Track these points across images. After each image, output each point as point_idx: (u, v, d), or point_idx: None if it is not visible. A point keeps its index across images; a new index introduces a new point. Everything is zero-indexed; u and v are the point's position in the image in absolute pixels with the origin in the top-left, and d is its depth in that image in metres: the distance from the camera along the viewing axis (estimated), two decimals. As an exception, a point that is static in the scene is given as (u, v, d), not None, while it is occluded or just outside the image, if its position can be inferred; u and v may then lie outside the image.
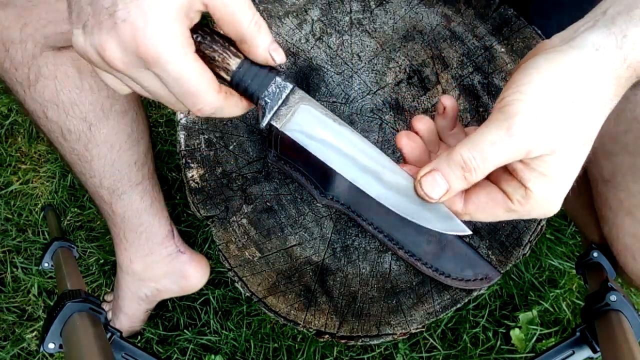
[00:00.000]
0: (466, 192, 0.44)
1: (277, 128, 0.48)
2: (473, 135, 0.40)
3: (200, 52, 0.44)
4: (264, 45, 0.44)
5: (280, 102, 0.47)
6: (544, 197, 0.42)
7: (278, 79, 0.46)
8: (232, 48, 0.45)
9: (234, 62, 0.45)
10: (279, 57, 0.45)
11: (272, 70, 0.46)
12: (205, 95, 0.43)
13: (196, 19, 0.43)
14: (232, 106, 0.46)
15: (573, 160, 0.41)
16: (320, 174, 0.59)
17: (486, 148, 0.39)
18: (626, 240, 0.74)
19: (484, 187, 0.44)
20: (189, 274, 0.96)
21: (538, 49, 0.44)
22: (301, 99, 0.48)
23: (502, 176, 0.43)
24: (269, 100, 0.46)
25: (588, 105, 0.40)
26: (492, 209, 0.44)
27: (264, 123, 0.47)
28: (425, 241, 0.62)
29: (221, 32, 0.45)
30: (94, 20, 0.39)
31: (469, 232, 0.46)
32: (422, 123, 0.48)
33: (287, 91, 0.46)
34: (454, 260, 0.63)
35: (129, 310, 1.01)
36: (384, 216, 0.62)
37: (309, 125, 0.48)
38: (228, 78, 0.46)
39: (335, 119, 0.48)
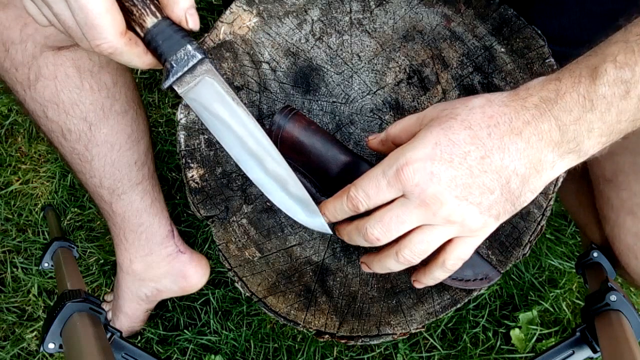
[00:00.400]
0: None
1: (279, 126, 0.49)
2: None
3: (120, 2, 0.45)
4: (183, 5, 0.47)
5: (185, 69, 0.48)
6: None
7: (189, 46, 0.47)
8: (152, 7, 0.46)
9: (150, 20, 0.46)
10: (193, 22, 0.48)
11: (186, 37, 0.48)
12: (106, 32, 0.44)
13: None
14: (133, 55, 0.47)
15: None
16: (320, 175, 0.60)
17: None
18: (628, 240, 0.74)
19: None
20: (189, 274, 0.96)
21: None
22: (207, 71, 0.50)
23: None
24: (175, 65, 0.48)
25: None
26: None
27: (165, 85, 0.48)
28: None
29: None
30: None
31: (330, 233, 0.55)
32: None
33: (195, 61, 0.48)
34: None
35: (129, 310, 1.01)
36: None
37: (209, 98, 0.51)
38: (142, 34, 0.47)
39: (234, 98, 0.51)
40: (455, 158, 0.47)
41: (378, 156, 0.64)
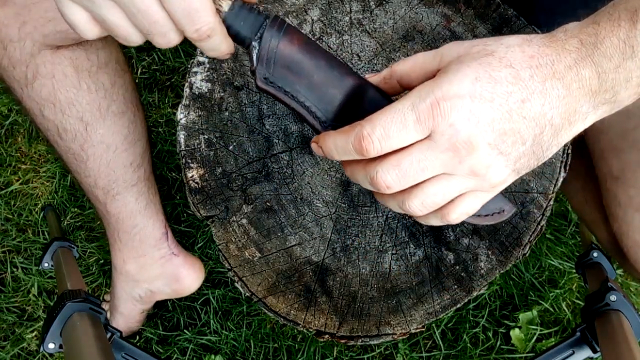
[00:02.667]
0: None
1: (271, 41, 0.45)
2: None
3: None
4: None
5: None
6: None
7: (268, 22, 0.46)
8: None
9: (225, 3, 0.44)
10: (226, 2, 0.45)
11: (261, 14, 0.46)
12: (205, 13, 0.42)
13: None
14: (223, 36, 0.45)
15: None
16: (326, 101, 0.49)
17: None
18: (636, 237, 0.74)
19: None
20: (181, 276, 0.96)
21: None
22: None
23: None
24: (257, 45, 0.46)
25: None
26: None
27: (254, 66, 0.47)
28: None
29: None
30: None
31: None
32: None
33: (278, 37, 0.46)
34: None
35: (124, 310, 1.01)
36: None
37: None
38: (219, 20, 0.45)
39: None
40: (497, 98, 0.42)
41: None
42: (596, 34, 0.42)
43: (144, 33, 0.43)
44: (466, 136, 0.42)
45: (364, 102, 0.48)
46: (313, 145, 0.49)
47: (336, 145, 0.46)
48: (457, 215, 0.47)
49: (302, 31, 0.49)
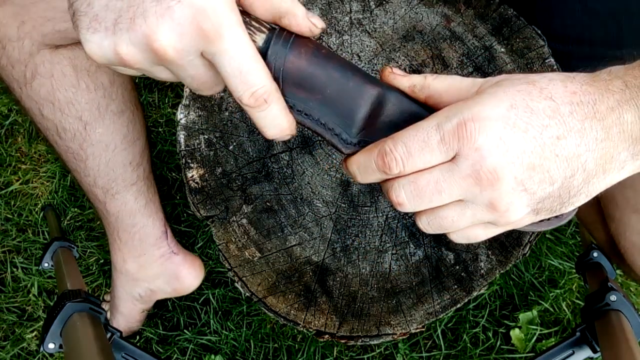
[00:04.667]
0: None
1: (277, 59, 0.42)
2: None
3: None
4: (302, 14, 0.42)
5: None
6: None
7: None
8: (254, 23, 0.42)
9: (259, 38, 0.42)
10: (320, 22, 0.43)
11: (266, 27, 0.43)
12: (261, 74, 0.40)
13: None
14: (282, 107, 0.42)
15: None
16: (345, 117, 0.45)
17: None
18: (633, 238, 0.74)
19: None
20: (181, 275, 0.96)
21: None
22: None
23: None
24: None
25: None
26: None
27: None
28: None
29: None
30: (131, 14, 0.36)
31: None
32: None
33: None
34: None
35: (125, 309, 1.01)
36: None
37: None
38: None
39: None
40: (531, 129, 0.39)
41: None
42: None
43: (191, 88, 0.43)
44: (492, 165, 0.39)
45: (392, 114, 0.44)
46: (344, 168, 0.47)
47: (359, 164, 0.44)
48: (460, 239, 0.45)
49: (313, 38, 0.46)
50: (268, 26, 0.42)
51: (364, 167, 0.43)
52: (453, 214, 0.42)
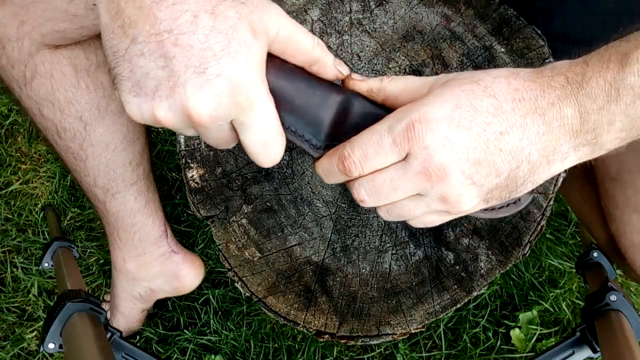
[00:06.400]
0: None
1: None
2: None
3: None
4: (330, 62, 0.46)
5: None
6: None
7: None
8: None
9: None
10: (345, 69, 0.48)
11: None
12: (280, 145, 0.45)
13: None
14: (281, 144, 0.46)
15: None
16: (314, 124, 0.48)
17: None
18: (634, 237, 0.74)
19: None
20: (182, 274, 0.96)
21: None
22: None
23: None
24: None
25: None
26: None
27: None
28: None
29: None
30: (171, 83, 0.38)
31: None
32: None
33: None
34: None
35: (125, 309, 1.01)
36: None
37: None
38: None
39: None
40: (475, 127, 0.42)
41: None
42: (583, 73, 0.42)
43: (209, 144, 0.47)
44: (439, 162, 0.42)
45: (355, 117, 0.47)
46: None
47: (324, 168, 0.47)
48: (417, 224, 0.48)
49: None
50: None
51: (328, 170, 0.47)
52: (409, 205, 0.46)
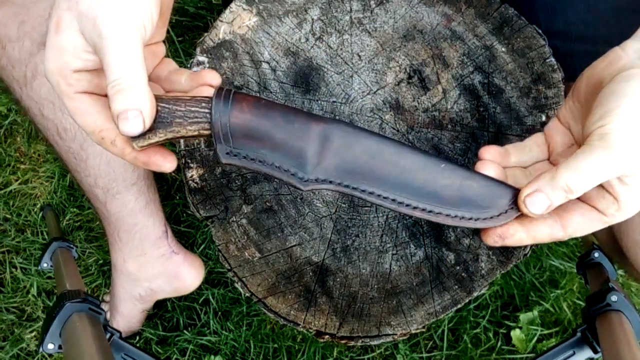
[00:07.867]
0: (560, 217, 0.47)
1: (221, 118, 0.46)
2: (573, 160, 0.44)
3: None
4: (114, 110, 0.42)
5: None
6: (632, 204, 0.45)
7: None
8: (194, 98, 0.47)
9: (204, 106, 0.47)
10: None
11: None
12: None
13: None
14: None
15: None
16: (294, 155, 0.48)
17: (588, 173, 0.43)
18: (636, 236, 0.74)
19: (576, 210, 0.47)
20: (182, 275, 0.96)
21: (613, 63, 0.45)
22: None
23: (591, 194, 0.46)
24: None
25: None
26: (589, 226, 0.47)
27: (215, 147, 0.47)
28: (440, 189, 0.51)
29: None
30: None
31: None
32: (489, 153, 0.52)
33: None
34: (476, 198, 0.51)
35: (125, 310, 1.01)
36: (388, 179, 0.51)
37: None
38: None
39: None
40: None
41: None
42: None
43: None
44: None
45: (339, 145, 0.47)
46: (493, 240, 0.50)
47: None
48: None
49: (251, 92, 0.51)
50: (206, 97, 0.47)
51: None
52: None
